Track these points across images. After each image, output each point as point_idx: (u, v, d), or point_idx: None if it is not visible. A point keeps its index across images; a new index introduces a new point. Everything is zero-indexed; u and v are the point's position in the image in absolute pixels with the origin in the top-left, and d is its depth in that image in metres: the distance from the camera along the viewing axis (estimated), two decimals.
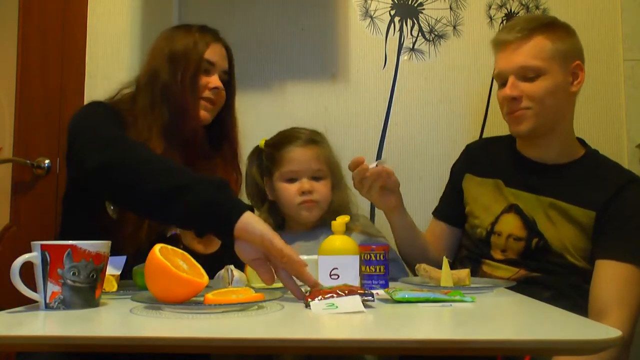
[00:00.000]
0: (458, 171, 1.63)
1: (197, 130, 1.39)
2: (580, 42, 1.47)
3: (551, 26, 1.42)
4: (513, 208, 1.44)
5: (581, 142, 1.51)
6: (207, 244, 1.21)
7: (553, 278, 1.36)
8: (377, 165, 1.37)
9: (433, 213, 1.66)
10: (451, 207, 1.60)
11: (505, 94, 1.42)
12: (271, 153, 1.64)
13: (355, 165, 1.37)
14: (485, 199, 1.50)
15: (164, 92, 1.38)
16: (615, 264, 1.31)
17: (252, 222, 1.02)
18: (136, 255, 1.17)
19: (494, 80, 1.52)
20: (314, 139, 1.63)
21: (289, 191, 1.58)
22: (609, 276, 1.31)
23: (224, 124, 1.51)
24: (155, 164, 1.13)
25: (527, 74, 1.39)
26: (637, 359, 1.65)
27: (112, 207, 1.30)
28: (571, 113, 1.46)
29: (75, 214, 1.38)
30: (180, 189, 1.05)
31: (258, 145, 1.69)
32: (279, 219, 1.68)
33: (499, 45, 1.45)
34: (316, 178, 1.58)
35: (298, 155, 1.59)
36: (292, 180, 1.59)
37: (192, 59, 1.40)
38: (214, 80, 1.43)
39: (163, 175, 1.09)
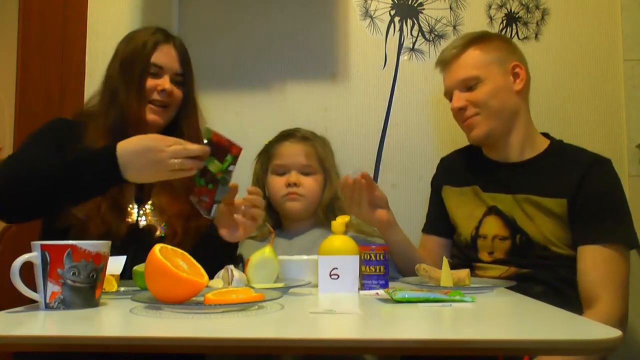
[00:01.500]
0: (437, 185, 1.66)
1: (143, 133, 1.35)
2: (518, 48, 1.55)
3: (483, 38, 1.51)
4: (493, 210, 1.48)
5: (545, 135, 1.55)
6: (230, 230, 1.33)
7: (543, 273, 1.38)
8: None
9: (422, 230, 1.66)
10: (438, 220, 1.62)
11: (452, 107, 1.50)
12: (268, 149, 1.70)
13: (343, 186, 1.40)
14: (466, 207, 1.54)
15: (113, 96, 1.42)
16: (596, 247, 1.34)
17: (125, 144, 1.20)
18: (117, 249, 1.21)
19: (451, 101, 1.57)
20: (307, 137, 1.68)
21: (277, 183, 1.63)
22: (592, 261, 1.33)
23: (180, 125, 1.50)
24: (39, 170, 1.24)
25: (468, 84, 1.47)
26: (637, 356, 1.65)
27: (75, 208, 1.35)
28: (525, 110, 1.51)
29: (49, 219, 1.39)
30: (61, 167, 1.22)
31: (265, 146, 1.74)
32: (276, 219, 1.69)
33: (439, 65, 1.56)
34: (305, 173, 1.63)
35: (288, 150, 1.65)
36: (281, 173, 1.64)
37: (139, 63, 1.42)
38: (162, 83, 1.43)
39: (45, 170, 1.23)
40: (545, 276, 1.38)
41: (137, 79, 1.41)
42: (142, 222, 1.41)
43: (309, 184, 1.61)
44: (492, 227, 1.47)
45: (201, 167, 1.21)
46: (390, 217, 1.45)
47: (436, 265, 1.53)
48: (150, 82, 1.42)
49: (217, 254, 1.35)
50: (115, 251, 1.15)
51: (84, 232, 1.29)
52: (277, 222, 1.70)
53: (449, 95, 1.54)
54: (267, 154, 1.69)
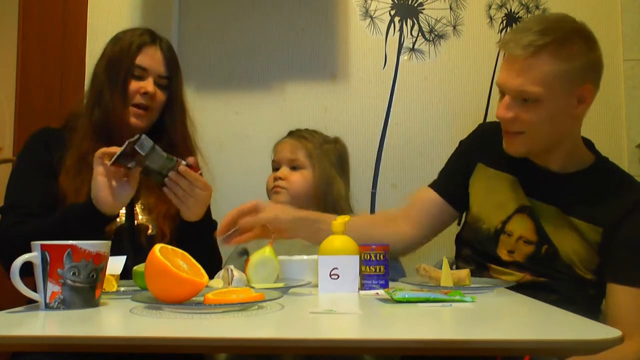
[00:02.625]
0: (468, 155, 1.49)
1: (126, 134, 1.35)
2: (598, 58, 1.31)
3: (565, 41, 1.25)
4: (527, 210, 1.37)
5: (590, 147, 1.43)
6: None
7: (559, 284, 1.33)
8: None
9: (430, 185, 1.51)
10: (454, 185, 1.48)
11: (498, 115, 1.32)
12: (273, 148, 1.76)
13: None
14: (498, 195, 1.41)
15: (98, 96, 1.42)
16: (631, 289, 1.29)
17: (94, 188, 1.23)
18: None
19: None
20: (303, 135, 1.72)
21: (269, 178, 1.71)
22: (626, 302, 1.29)
23: (166, 129, 1.49)
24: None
25: (525, 97, 1.26)
26: None
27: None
28: (577, 130, 1.37)
29: None
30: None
31: None
32: None
33: (504, 47, 1.31)
34: (294, 167, 1.67)
35: (279, 146, 1.72)
36: (275, 169, 1.70)
37: (123, 64, 1.42)
38: (146, 85, 1.42)
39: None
40: (561, 287, 1.33)
41: (122, 80, 1.41)
42: (135, 221, 1.42)
43: (294, 179, 1.65)
44: (521, 226, 1.36)
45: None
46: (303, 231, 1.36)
47: (421, 219, 1.46)
48: (134, 85, 1.42)
49: (195, 239, 1.36)
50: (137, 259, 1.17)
51: None
52: None
53: (500, 89, 1.33)
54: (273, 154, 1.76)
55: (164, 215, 1.42)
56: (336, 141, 1.77)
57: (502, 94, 1.32)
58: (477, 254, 1.42)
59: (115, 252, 1.22)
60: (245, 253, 1.61)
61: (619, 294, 1.30)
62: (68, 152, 1.38)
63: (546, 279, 1.34)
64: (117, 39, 1.48)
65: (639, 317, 1.28)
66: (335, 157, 1.73)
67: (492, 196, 1.42)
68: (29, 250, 1.03)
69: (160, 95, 1.46)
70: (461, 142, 1.54)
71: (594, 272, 1.33)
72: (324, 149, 1.71)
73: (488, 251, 1.40)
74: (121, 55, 1.43)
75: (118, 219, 1.40)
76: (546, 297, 1.25)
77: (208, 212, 1.43)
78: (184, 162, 1.27)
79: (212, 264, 1.45)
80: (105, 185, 1.23)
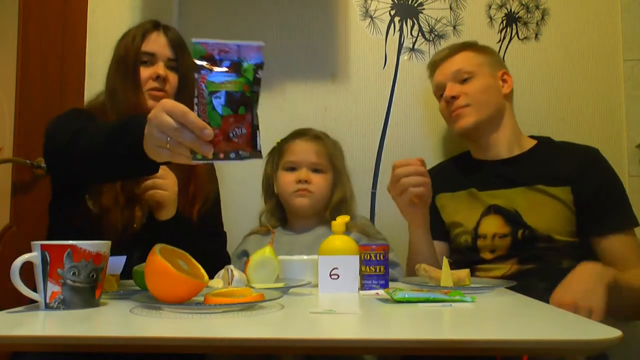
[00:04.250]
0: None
1: None
2: (500, 58, 1.72)
3: (473, 45, 1.65)
4: (492, 208, 1.50)
5: (533, 137, 1.62)
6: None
7: (546, 267, 1.39)
8: None
9: None
10: (435, 226, 1.57)
11: (445, 96, 1.58)
12: (280, 147, 1.72)
13: (402, 163, 1.39)
14: (463, 211, 1.55)
15: (112, 94, 1.43)
16: (615, 236, 1.41)
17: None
18: (119, 246, 1.13)
19: (441, 97, 1.63)
20: (319, 136, 1.71)
21: (287, 178, 1.65)
22: (617, 249, 1.40)
23: None
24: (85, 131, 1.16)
25: (462, 77, 1.57)
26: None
27: (91, 201, 1.33)
28: (510, 113, 1.60)
29: (61, 218, 1.39)
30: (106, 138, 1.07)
31: (276, 144, 1.76)
32: (283, 215, 1.71)
33: (433, 65, 1.66)
34: (316, 171, 1.65)
35: (300, 147, 1.67)
36: (291, 169, 1.66)
37: (130, 56, 1.43)
38: (156, 69, 1.43)
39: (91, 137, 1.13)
40: (549, 271, 1.38)
41: (131, 71, 1.42)
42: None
43: (319, 182, 1.64)
44: (491, 225, 1.48)
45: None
46: (425, 218, 1.46)
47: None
48: (145, 72, 1.43)
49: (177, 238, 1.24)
50: (126, 249, 1.17)
51: (101, 227, 1.29)
52: (283, 218, 1.71)
53: (439, 90, 1.62)
54: (278, 152, 1.72)
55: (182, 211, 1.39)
56: (336, 142, 1.77)
57: (442, 95, 1.60)
58: (464, 261, 1.50)
59: (137, 248, 1.24)
60: (244, 255, 1.61)
61: (607, 245, 1.41)
62: None
63: (533, 265, 1.41)
64: (122, 37, 1.49)
65: (635, 256, 1.40)
66: (343, 158, 1.75)
67: (459, 214, 1.56)
68: (72, 144, 1.09)
69: (173, 78, 1.46)
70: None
71: (573, 233, 1.42)
72: (337, 150, 1.73)
73: (472, 258, 1.50)
74: (127, 48, 1.44)
75: (142, 215, 1.38)
76: (536, 285, 1.28)
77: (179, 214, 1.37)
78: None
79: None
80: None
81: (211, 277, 1.12)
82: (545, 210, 1.43)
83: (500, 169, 1.54)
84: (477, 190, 1.54)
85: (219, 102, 0.89)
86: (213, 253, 1.49)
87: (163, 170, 1.29)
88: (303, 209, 1.64)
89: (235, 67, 0.91)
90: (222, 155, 0.89)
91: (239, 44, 0.90)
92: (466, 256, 1.51)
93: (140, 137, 0.96)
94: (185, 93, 1.48)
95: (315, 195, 1.63)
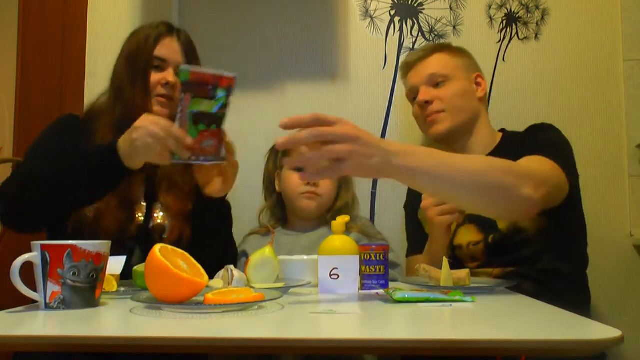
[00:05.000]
0: (411, 208, 1.68)
1: None
2: (476, 62, 1.64)
3: (448, 47, 1.63)
4: (466, 219, 1.47)
5: (502, 131, 1.62)
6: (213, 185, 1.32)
7: (526, 267, 1.39)
8: None
9: (408, 255, 1.66)
10: (419, 239, 1.59)
11: (418, 100, 1.55)
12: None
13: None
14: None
15: (119, 92, 1.42)
16: (532, 156, 1.30)
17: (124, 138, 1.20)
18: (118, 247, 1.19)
19: (414, 100, 1.60)
20: None
21: (295, 179, 1.63)
22: (530, 159, 1.29)
23: None
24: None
25: (436, 80, 1.54)
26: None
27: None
28: (485, 116, 1.59)
29: (56, 224, 1.39)
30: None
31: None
32: (283, 214, 1.70)
33: (407, 66, 1.63)
34: None
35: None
36: (299, 169, 1.63)
37: (142, 57, 1.42)
38: (166, 76, 1.43)
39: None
40: (529, 271, 1.39)
41: (141, 73, 1.41)
42: (153, 222, 1.40)
43: (326, 185, 1.64)
44: (465, 235, 1.49)
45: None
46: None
47: None
48: (155, 76, 1.42)
49: (212, 219, 1.39)
50: (124, 250, 1.17)
51: (95, 231, 1.30)
52: (283, 217, 1.71)
53: (412, 93, 1.60)
54: (284, 150, 1.69)
55: (179, 214, 1.41)
56: None
57: (415, 98, 1.58)
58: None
59: (132, 251, 1.24)
60: (244, 255, 1.61)
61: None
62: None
63: (513, 267, 1.41)
64: (133, 34, 1.48)
65: (528, 163, 1.26)
66: None
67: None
68: (31, 188, 1.15)
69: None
70: (404, 206, 1.74)
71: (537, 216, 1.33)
72: None
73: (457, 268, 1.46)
74: (139, 48, 1.43)
75: (139, 218, 1.40)
76: (521, 286, 1.30)
77: None
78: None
79: (227, 256, 1.47)
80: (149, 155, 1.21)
81: (211, 277, 1.12)
82: None
83: None
84: None
85: (197, 119, 1.15)
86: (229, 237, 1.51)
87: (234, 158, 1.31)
88: (309, 212, 1.63)
89: (212, 92, 1.15)
90: (193, 158, 1.16)
91: (216, 74, 1.14)
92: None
93: (113, 148, 1.19)
94: None
95: (323, 199, 1.63)
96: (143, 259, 1.18)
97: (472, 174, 1.08)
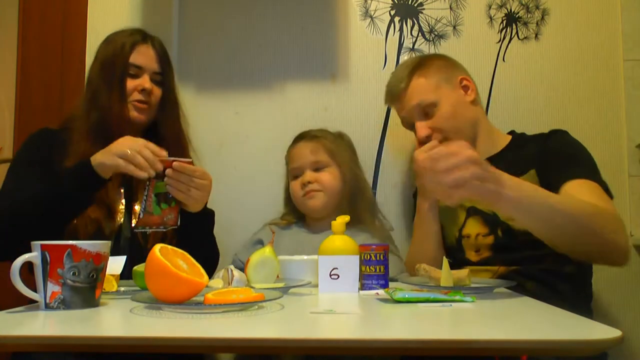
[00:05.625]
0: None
1: (125, 132, 1.39)
2: (457, 62, 1.61)
3: (422, 65, 1.57)
4: (472, 211, 1.50)
5: (511, 133, 1.61)
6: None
7: (531, 267, 1.39)
8: None
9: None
10: None
11: (419, 137, 1.53)
12: (286, 157, 1.74)
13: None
14: (449, 212, 1.55)
15: (95, 97, 1.44)
16: (574, 182, 1.31)
17: (97, 156, 1.29)
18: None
19: (411, 128, 1.61)
20: (316, 135, 1.70)
21: (295, 187, 1.66)
22: (574, 191, 1.29)
23: (160, 125, 1.52)
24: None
25: (425, 111, 1.52)
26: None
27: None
28: (482, 116, 1.58)
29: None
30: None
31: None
32: (302, 214, 1.71)
33: (391, 100, 1.63)
34: (318, 169, 1.64)
35: (298, 152, 1.68)
36: (297, 176, 1.67)
37: (118, 64, 1.44)
38: (142, 82, 1.45)
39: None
40: (534, 271, 1.39)
41: (118, 80, 1.43)
42: (134, 221, 1.43)
43: (324, 178, 1.63)
44: (474, 226, 1.49)
45: (158, 169, 1.30)
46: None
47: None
48: (131, 83, 1.45)
49: (199, 231, 1.44)
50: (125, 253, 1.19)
51: (75, 233, 1.33)
52: (302, 216, 1.71)
53: (407, 125, 1.60)
54: (286, 162, 1.73)
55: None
56: (342, 136, 1.78)
57: (412, 129, 1.57)
58: (453, 263, 1.48)
59: (114, 252, 1.24)
60: (259, 243, 1.62)
61: (566, 191, 1.31)
62: (67, 156, 1.39)
63: (518, 266, 1.41)
64: (108, 42, 1.50)
65: (591, 196, 1.28)
66: (350, 151, 1.74)
67: (445, 216, 1.55)
68: (17, 213, 1.18)
69: (157, 91, 1.49)
70: (414, 195, 1.72)
71: None
72: (339, 144, 1.71)
73: (458, 257, 1.51)
74: (115, 55, 1.45)
75: (119, 219, 1.41)
76: (524, 285, 1.33)
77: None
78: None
79: (212, 258, 1.51)
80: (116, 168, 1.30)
81: (211, 276, 1.12)
82: None
83: None
84: None
85: (160, 199, 1.33)
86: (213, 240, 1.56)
87: (204, 173, 1.37)
88: (316, 209, 1.64)
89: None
90: (155, 228, 1.33)
91: (171, 159, 1.31)
92: (451, 256, 1.50)
93: (88, 163, 1.29)
94: (167, 106, 1.52)
95: (324, 193, 1.62)
96: (130, 260, 1.22)
97: (568, 217, 1.14)
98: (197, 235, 1.43)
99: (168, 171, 1.30)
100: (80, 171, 1.30)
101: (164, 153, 1.30)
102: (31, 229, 1.26)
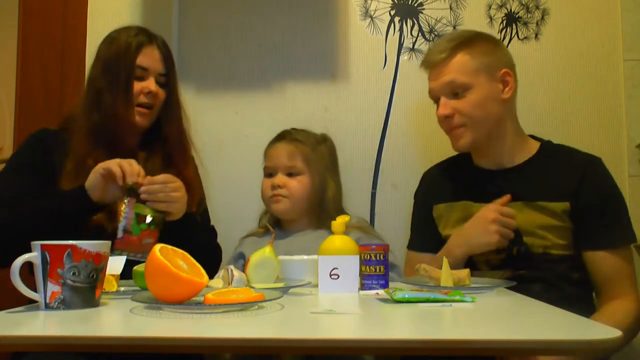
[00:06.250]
0: (423, 201, 1.62)
1: (128, 135, 1.39)
2: (507, 51, 1.52)
3: (472, 42, 1.46)
4: None
5: (533, 137, 1.54)
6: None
7: (540, 272, 1.38)
8: None
9: (410, 247, 1.61)
10: (430, 237, 1.56)
11: (439, 114, 1.48)
12: (264, 152, 1.72)
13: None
14: (458, 223, 1.48)
15: (97, 98, 1.41)
16: (607, 252, 1.37)
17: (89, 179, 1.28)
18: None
19: (436, 103, 1.54)
20: (297, 138, 1.67)
21: (264, 185, 1.67)
22: (607, 264, 1.37)
23: (163, 127, 1.50)
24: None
25: (455, 91, 1.44)
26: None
27: None
28: (511, 117, 1.49)
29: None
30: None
31: None
32: (277, 219, 1.70)
33: (426, 66, 1.52)
34: (291, 174, 1.63)
35: (275, 152, 1.67)
36: (270, 175, 1.66)
37: (124, 66, 1.41)
38: (148, 85, 1.43)
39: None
40: (543, 275, 1.38)
41: (124, 82, 1.40)
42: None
43: (293, 186, 1.62)
44: None
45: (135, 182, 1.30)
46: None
47: None
48: (137, 85, 1.42)
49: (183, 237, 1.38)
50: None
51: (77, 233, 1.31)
52: (277, 221, 1.71)
53: (434, 97, 1.51)
54: (264, 157, 1.71)
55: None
56: (325, 139, 1.74)
57: (435, 98, 1.50)
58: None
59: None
60: (241, 257, 1.61)
61: (598, 260, 1.38)
62: (67, 157, 1.38)
63: (527, 271, 1.40)
64: (111, 40, 1.46)
65: (624, 277, 1.37)
66: (329, 158, 1.72)
67: (455, 227, 1.49)
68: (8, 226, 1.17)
69: (161, 93, 1.47)
70: (416, 195, 1.67)
71: (569, 248, 1.39)
72: (318, 151, 1.68)
73: (467, 264, 1.45)
74: (119, 56, 1.41)
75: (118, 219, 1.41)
76: (530, 287, 1.30)
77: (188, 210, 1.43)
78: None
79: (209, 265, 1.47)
80: (101, 181, 1.29)
81: (211, 276, 1.12)
82: (543, 228, 1.39)
83: (499, 180, 1.46)
84: (472, 202, 1.47)
85: (140, 221, 1.30)
86: (211, 244, 1.55)
87: (171, 177, 1.34)
88: (280, 214, 1.65)
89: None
90: (131, 255, 1.28)
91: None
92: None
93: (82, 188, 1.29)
94: (169, 107, 1.50)
95: (290, 200, 1.61)
96: (130, 260, 1.22)
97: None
98: (182, 239, 1.38)
99: (142, 188, 1.29)
100: (76, 197, 1.30)
101: (142, 172, 1.29)
102: (23, 245, 1.26)
